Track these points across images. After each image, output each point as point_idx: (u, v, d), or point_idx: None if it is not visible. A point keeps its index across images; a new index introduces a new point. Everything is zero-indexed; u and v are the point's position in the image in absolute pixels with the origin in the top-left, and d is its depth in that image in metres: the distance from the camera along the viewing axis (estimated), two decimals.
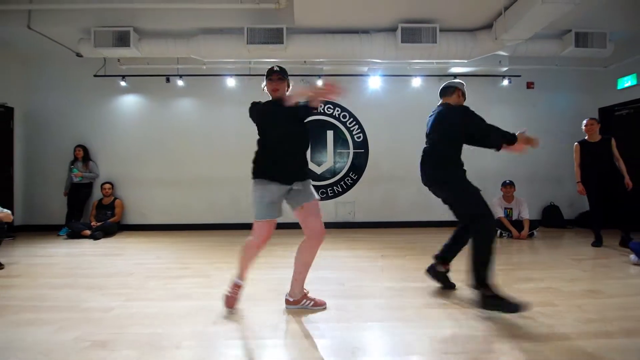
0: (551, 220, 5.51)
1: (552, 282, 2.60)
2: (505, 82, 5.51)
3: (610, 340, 1.71)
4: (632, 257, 3.20)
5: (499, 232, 4.67)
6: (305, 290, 2.17)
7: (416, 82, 5.42)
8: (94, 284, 2.64)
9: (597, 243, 3.97)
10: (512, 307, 1.95)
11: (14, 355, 1.59)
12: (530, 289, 2.46)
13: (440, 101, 2.49)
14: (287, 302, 2.14)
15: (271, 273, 2.85)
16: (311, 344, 1.71)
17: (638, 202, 4.20)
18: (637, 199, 4.15)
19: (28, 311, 2.12)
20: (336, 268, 3.09)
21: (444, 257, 2.46)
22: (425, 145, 2.43)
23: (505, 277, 2.75)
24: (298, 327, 1.90)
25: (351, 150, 5.63)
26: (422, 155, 2.42)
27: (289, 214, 2.14)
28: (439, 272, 2.47)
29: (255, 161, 2.07)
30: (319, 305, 2.13)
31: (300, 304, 2.12)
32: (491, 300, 2.01)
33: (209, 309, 2.11)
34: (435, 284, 2.50)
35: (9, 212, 3.30)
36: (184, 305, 2.18)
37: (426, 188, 2.41)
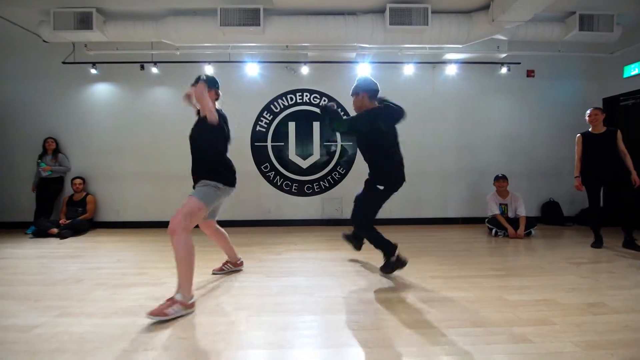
0: (550, 217, 5.20)
1: (548, 292, 2.30)
2: (504, 69, 5.15)
3: None
4: None
5: (493, 230, 4.36)
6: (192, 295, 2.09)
7: (408, 69, 5.06)
8: (32, 293, 2.34)
9: (597, 244, 3.66)
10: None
11: None
12: (525, 301, 2.16)
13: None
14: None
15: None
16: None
17: None
18: None
19: None
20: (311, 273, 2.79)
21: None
22: (395, 149, 2.69)
23: (499, 284, 2.45)
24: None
25: (339, 143, 5.30)
26: (400, 158, 2.69)
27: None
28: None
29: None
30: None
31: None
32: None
33: (146, 331, 1.80)
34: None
35: None
36: (120, 323, 1.88)
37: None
